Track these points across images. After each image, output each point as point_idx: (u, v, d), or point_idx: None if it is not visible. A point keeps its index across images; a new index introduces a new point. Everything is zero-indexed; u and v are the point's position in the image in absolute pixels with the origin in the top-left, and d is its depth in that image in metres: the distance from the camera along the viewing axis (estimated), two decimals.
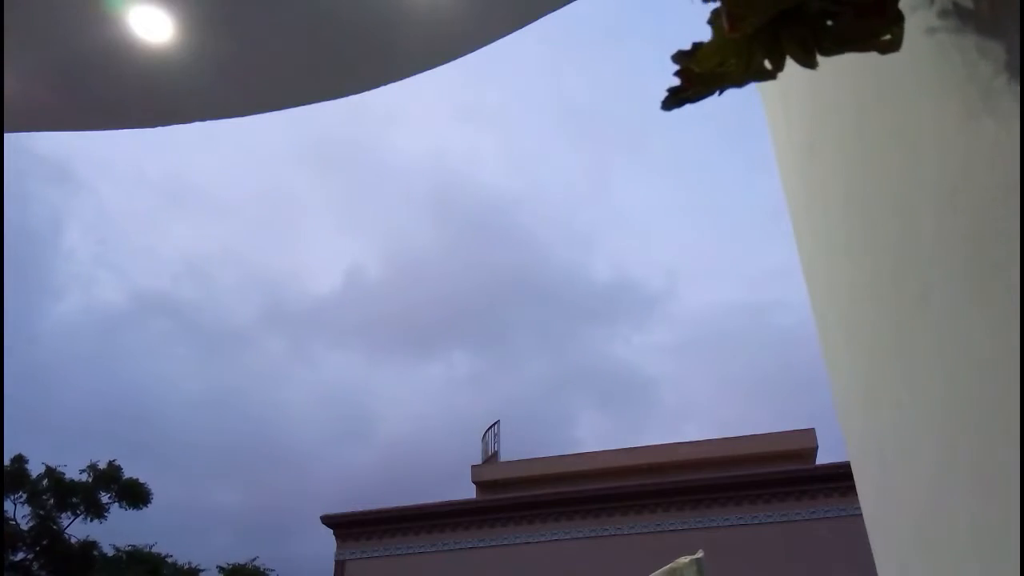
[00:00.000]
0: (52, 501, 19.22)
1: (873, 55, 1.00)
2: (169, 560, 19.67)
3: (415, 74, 2.39)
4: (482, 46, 2.30)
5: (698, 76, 1.02)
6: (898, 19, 0.97)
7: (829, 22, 0.97)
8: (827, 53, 0.99)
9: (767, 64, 1.00)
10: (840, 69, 1.11)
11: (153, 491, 19.96)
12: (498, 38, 2.30)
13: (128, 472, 19.73)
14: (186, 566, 19.98)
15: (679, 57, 1.02)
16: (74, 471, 19.52)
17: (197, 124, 2.59)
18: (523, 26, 2.25)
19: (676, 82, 1.03)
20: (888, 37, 0.97)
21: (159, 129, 2.49)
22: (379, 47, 2.33)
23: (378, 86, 2.44)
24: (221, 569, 20.53)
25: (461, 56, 2.35)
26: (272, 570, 20.84)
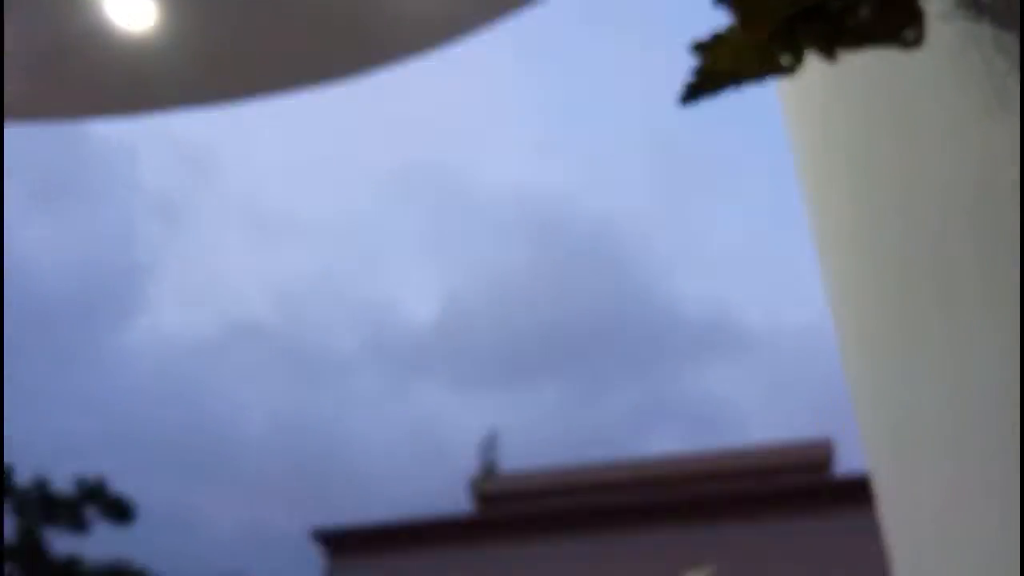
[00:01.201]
0: (37, 514, 19.27)
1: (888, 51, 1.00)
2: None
3: (404, 60, 2.39)
4: (473, 31, 2.30)
5: (716, 73, 1.03)
6: (920, 14, 0.97)
7: (848, 19, 0.97)
8: (848, 50, 0.99)
9: (786, 61, 1.01)
10: (855, 64, 1.11)
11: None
12: (491, 23, 2.29)
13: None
14: None
15: (697, 48, 1.03)
16: (68, 483, 19.57)
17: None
18: (517, 11, 2.24)
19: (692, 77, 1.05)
20: (910, 33, 0.98)
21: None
22: (367, 32, 2.33)
23: (367, 72, 2.44)
24: None
25: (452, 41, 2.34)
26: None
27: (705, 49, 1.04)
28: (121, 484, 19.33)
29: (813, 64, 1.02)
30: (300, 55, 2.42)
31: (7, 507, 19.15)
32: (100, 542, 19.73)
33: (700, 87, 1.06)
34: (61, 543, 19.41)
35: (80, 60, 2.41)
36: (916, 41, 0.98)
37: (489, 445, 17.42)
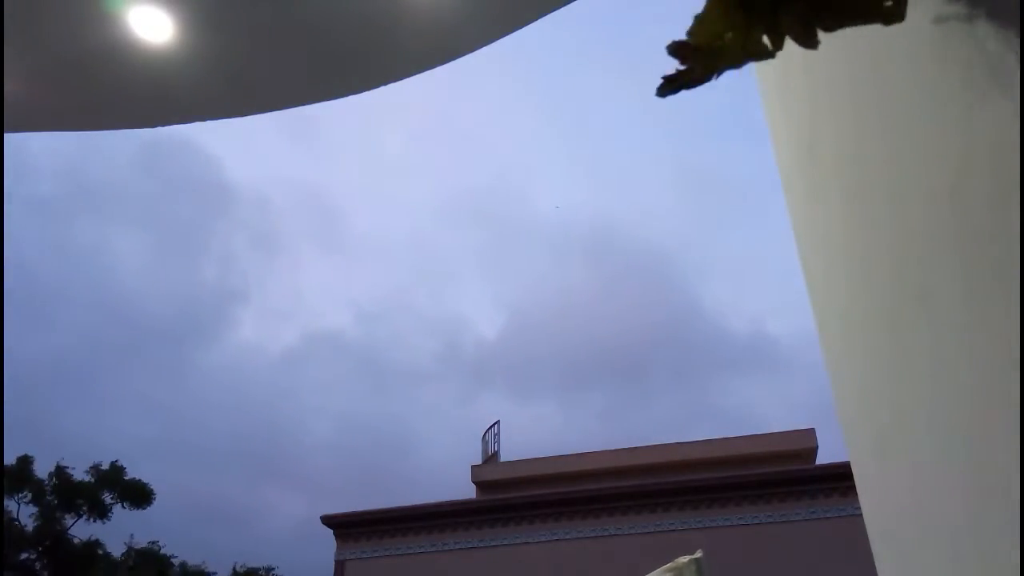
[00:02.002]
0: (56, 501, 19.23)
1: (872, 51, 0.99)
2: (175, 561, 19.70)
3: (415, 74, 2.39)
4: (482, 45, 2.30)
5: (696, 52, 0.99)
6: None
7: None
8: (828, 28, 0.96)
9: (766, 41, 0.98)
10: (839, 64, 1.10)
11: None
12: (498, 37, 2.29)
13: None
14: (197, 568, 20.02)
15: (675, 49, 1.00)
16: (82, 473, 19.56)
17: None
18: (523, 25, 2.24)
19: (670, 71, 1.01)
20: (890, 4, 0.95)
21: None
22: (379, 46, 2.32)
23: (379, 86, 2.44)
24: (236, 572, 20.60)
25: (461, 55, 2.34)
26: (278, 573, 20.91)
27: (684, 46, 1.00)
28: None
29: (796, 62, 1.00)
30: (313, 68, 2.41)
31: (27, 497, 19.11)
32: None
33: (678, 79, 1.03)
34: (90, 530, 19.38)
35: (98, 72, 2.41)
36: (897, 13, 0.95)
37: (492, 435, 17.41)
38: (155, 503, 19.69)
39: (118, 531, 19.54)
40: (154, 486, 19.64)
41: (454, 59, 2.34)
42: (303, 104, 2.54)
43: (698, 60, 0.98)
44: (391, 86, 2.32)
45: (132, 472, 19.72)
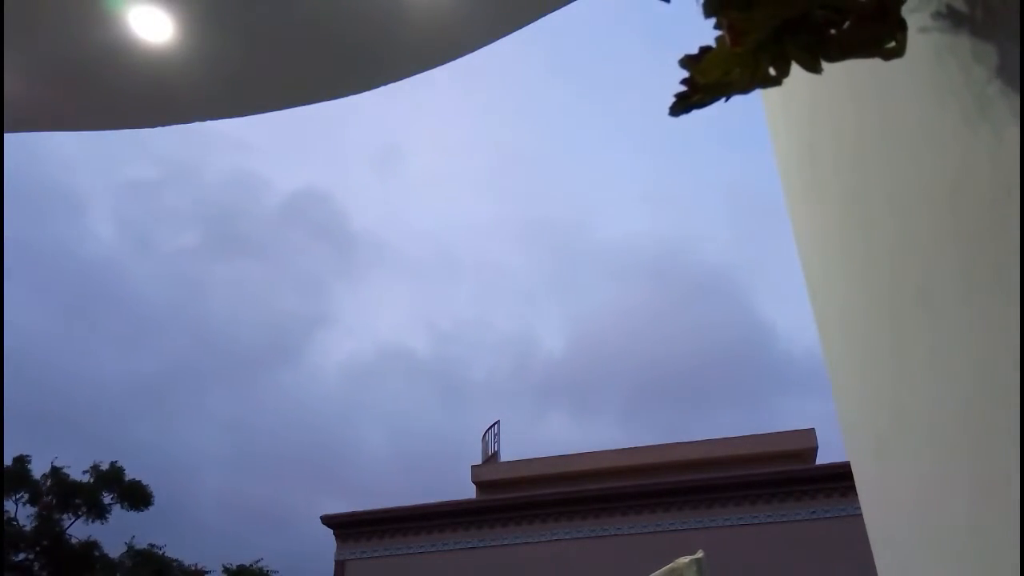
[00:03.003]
0: (54, 501, 19.23)
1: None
2: (175, 563, 19.70)
3: (414, 74, 2.39)
4: (481, 46, 2.30)
5: (704, 86, 1.02)
6: (901, 26, 0.97)
7: (833, 30, 0.97)
8: (832, 60, 0.99)
9: (772, 71, 1.00)
10: (840, 70, 1.10)
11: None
12: (497, 38, 2.29)
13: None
14: (193, 567, 20.01)
15: (686, 62, 1.02)
16: (77, 472, 19.55)
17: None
18: (522, 26, 2.24)
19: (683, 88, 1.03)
20: (892, 44, 0.97)
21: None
22: (378, 47, 2.33)
23: (377, 86, 2.44)
24: (226, 569, 20.56)
25: (460, 56, 2.34)
26: (275, 571, 20.90)
27: (694, 62, 1.03)
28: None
29: (799, 73, 1.02)
30: (313, 68, 2.41)
31: (24, 497, 19.11)
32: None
33: (690, 98, 1.05)
34: (97, 531, 19.39)
35: (99, 72, 2.41)
36: (897, 52, 0.98)
37: (492, 435, 17.41)
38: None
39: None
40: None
41: (455, 58, 2.35)
42: (303, 104, 2.55)
43: (707, 91, 1.01)
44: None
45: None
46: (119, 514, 19.60)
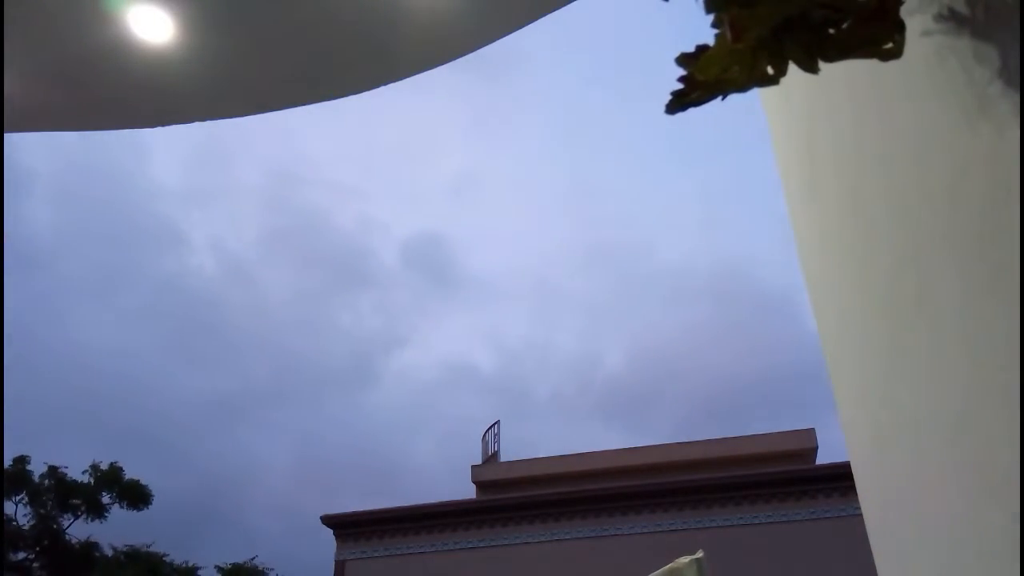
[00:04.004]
0: (53, 501, 19.23)
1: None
2: (167, 560, 19.70)
3: (414, 74, 2.39)
4: (481, 46, 2.30)
5: (702, 83, 1.02)
6: (900, 27, 0.97)
7: (832, 30, 0.97)
8: (830, 59, 0.99)
9: (770, 70, 1.01)
10: (839, 71, 1.11)
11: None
12: (498, 38, 2.29)
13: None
14: (184, 565, 20.02)
15: (683, 60, 1.02)
16: (76, 472, 19.56)
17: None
18: (522, 26, 2.25)
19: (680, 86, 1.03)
20: (890, 45, 0.98)
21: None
22: (378, 47, 2.33)
23: (378, 86, 2.44)
24: (219, 569, 20.55)
25: (460, 56, 2.35)
26: (271, 569, 20.91)
27: (692, 59, 1.03)
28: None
29: (797, 74, 1.02)
30: (313, 68, 2.42)
31: (24, 498, 19.12)
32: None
33: (686, 96, 1.05)
34: (97, 530, 19.44)
35: (99, 72, 2.41)
36: (895, 53, 0.98)
37: (491, 435, 17.42)
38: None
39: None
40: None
41: (454, 59, 2.35)
42: (303, 104, 2.55)
43: (705, 89, 1.01)
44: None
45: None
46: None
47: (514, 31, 2.27)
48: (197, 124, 2.60)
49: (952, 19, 1.06)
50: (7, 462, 18.44)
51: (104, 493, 19.52)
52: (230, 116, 2.58)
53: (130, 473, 19.71)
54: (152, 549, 19.54)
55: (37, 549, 18.81)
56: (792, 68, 1.01)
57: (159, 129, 2.51)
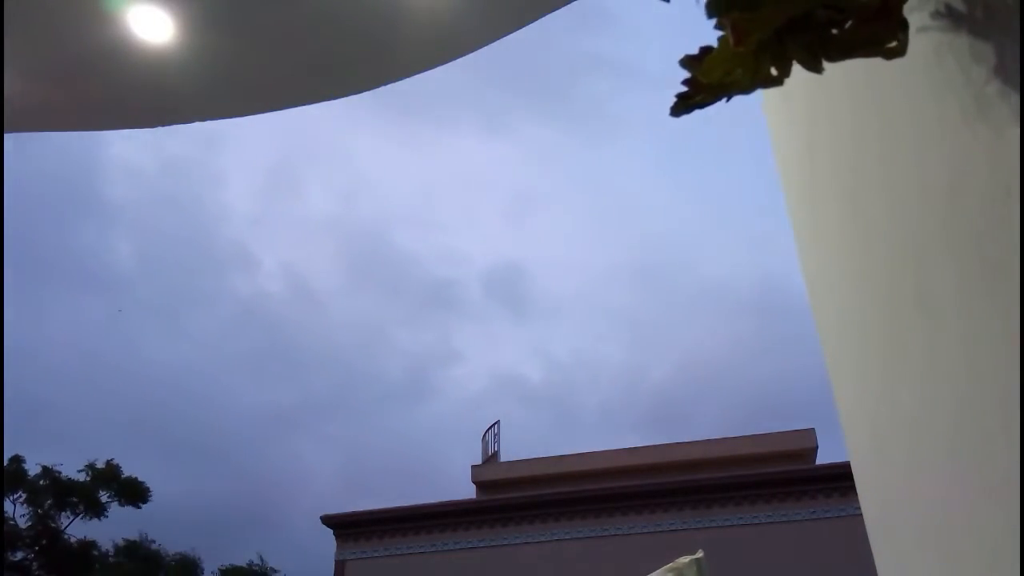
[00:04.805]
0: (51, 500, 19.23)
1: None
2: (167, 556, 19.73)
3: (416, 73, 2.40)
4: (483, 45, 2.30)
5: (705, 86, 1.02)
6: (903, 25, 0.97)
7: (835, 30, 0.97)
8: (833, 59, 0.99)
9: (774, 71, 1.01)
10: (838, 71, 1.11)
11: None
12: (499, 37, 2.30)
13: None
14: (185, 556, 20.06)
15: (687, 62, 1.02)
16: (72, 470, 19.58)
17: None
18: (524, 25, 2.25)
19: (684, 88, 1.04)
20: (893, 43, 0.98)
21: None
22: (380, 46, 2.33)
23: (379, 85, 2.44)
24: (221, 570, 20.58)
25: (462, 55, 2.35)
26: (277, 570, 20.94)
27: (696, 62, 1.03)
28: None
29: (798, 74, 1.03)
30: (314, 68, 2.42)
31: (20, 496, 19.12)
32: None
33: (691, 98, 1.06)
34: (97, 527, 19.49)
35: (99, 72, 2.41)
36: (899, 51, 0.99)
37: (491, 435, 17.41)
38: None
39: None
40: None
41: (456, 58, 2.35)
42: (305, 103, 2.55)
43: (710, 92, 1.02)
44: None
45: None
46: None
47: (515, 30, 2.27)
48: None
49: (951, 18, 1.06)
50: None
51: (102, 491, 19.53)
52: (231, 116, 2.58)
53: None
54: (157, 547, 19.58)
55: (36, 548, 18.82)
56: (794, 67, 1.02)
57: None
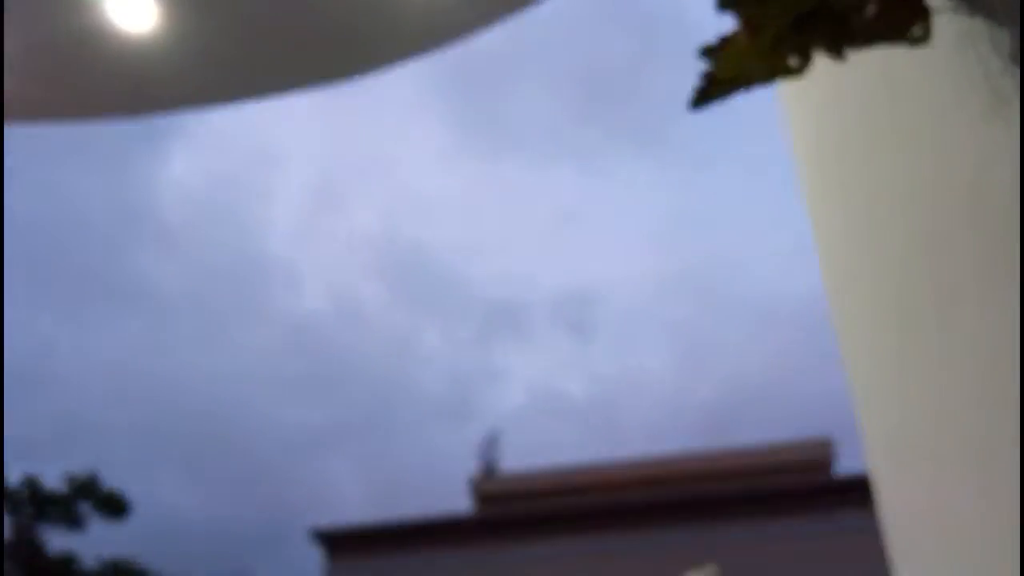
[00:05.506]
0: (31, 511, 19.25)
1: (890, 50, 1.00)
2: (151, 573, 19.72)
3: (401, 62, 2.40)
4: (468, 35, 2.31)
5: (724, 79, 1.03)
6: (926, 12, 0.98)
7: (855, 18, 0.98)
8: (856, 47, 1.00)
9: (793, 62, 1.01)
10: (851, 68, 1.10)
11: None
12: (491, 24, 2.29)
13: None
14: None
15: (705, 52, 1.03)
16: (54, 480, 19.59)
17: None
18: (509, 16, 2.25)
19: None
20: (917, 30, 0.98)
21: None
22: (363, 36, 2.33)
23: (366, 73, 2.45)
24: None
25: (458, 39, 2.35)
26: None
27: (713, 53, 1.03)
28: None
29: (813, 70, 1.02)
30: (299, 56, 2.42)
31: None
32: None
33: (709, 91, 1.06)
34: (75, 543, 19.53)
35: (82, 61, 2.41)
36: (923, 38, 0.99)
37: (490, 446, 17.38)
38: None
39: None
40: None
41: (450, 43, 2.35)
42: (287, 93, 2.55)
43: (728, 85, 1.02)
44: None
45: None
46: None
47: (500, 22, 2.27)
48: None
49: (971, 7, 1.06)
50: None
51: (80, 503, 19.53)
52: (215, 105, 2.58)
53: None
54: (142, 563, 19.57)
55: (16, 561, 18.83)
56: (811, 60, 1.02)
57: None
